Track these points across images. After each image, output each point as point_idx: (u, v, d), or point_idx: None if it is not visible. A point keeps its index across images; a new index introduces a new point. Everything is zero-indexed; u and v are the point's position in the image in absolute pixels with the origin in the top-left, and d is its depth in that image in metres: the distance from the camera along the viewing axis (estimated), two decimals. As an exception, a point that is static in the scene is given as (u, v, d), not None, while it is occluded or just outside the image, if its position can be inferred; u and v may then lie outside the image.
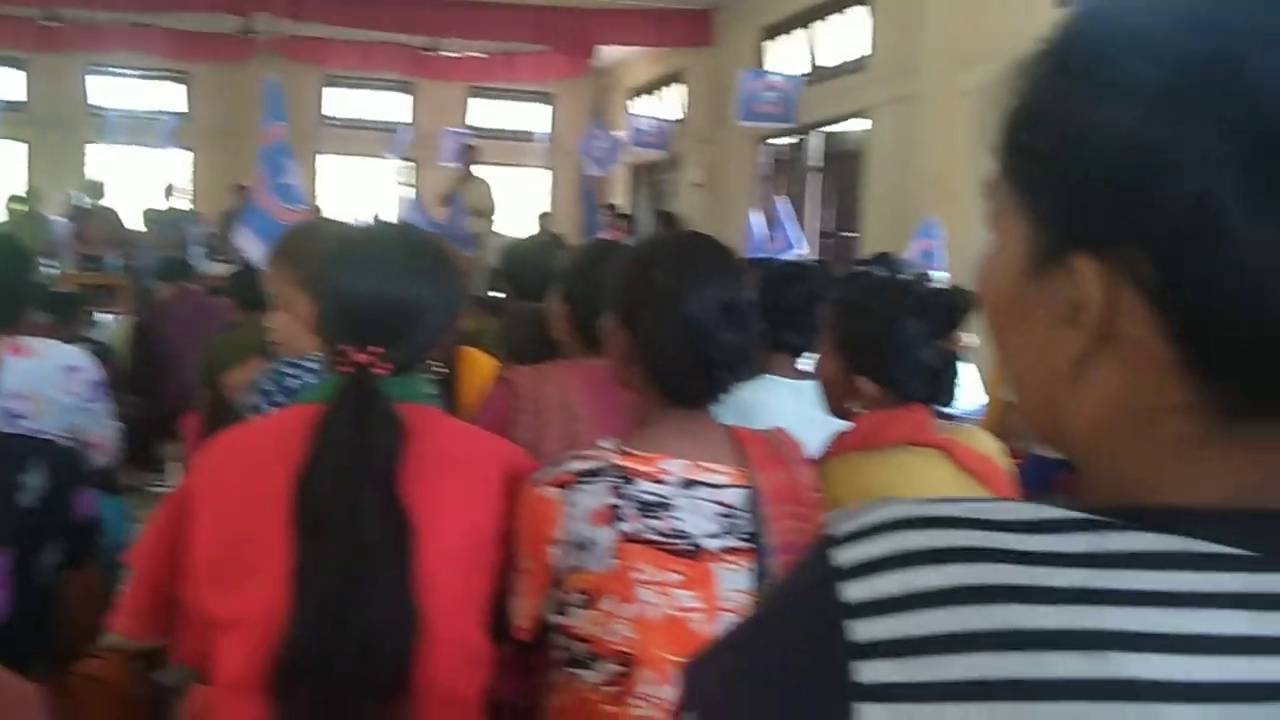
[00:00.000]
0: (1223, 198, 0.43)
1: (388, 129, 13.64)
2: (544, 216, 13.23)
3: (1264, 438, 0.47)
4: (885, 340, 1.65)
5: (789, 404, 2.20)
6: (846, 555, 0.49)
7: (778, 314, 2.42)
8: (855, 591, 0.48)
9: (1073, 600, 0.46)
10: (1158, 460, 0.49)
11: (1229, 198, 0.43)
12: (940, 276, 5.82)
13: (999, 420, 3.45)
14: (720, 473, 1.38)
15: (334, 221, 2.25)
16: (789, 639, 0.51)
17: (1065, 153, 0.49)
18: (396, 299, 1.36)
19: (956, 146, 7.16)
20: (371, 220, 1.54)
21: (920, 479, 1.58)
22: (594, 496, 1.32)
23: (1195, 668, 0.44)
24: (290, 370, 2.04)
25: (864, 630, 0.47)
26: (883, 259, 5.81)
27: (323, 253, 1.43)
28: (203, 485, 1.32)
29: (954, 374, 1.66)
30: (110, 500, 3.12)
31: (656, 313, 1.38)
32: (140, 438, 4.93)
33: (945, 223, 6.41)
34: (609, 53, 12.60)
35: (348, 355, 1.31)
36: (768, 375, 2.44)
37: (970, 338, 1.65)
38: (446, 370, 2.69)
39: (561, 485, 1.34)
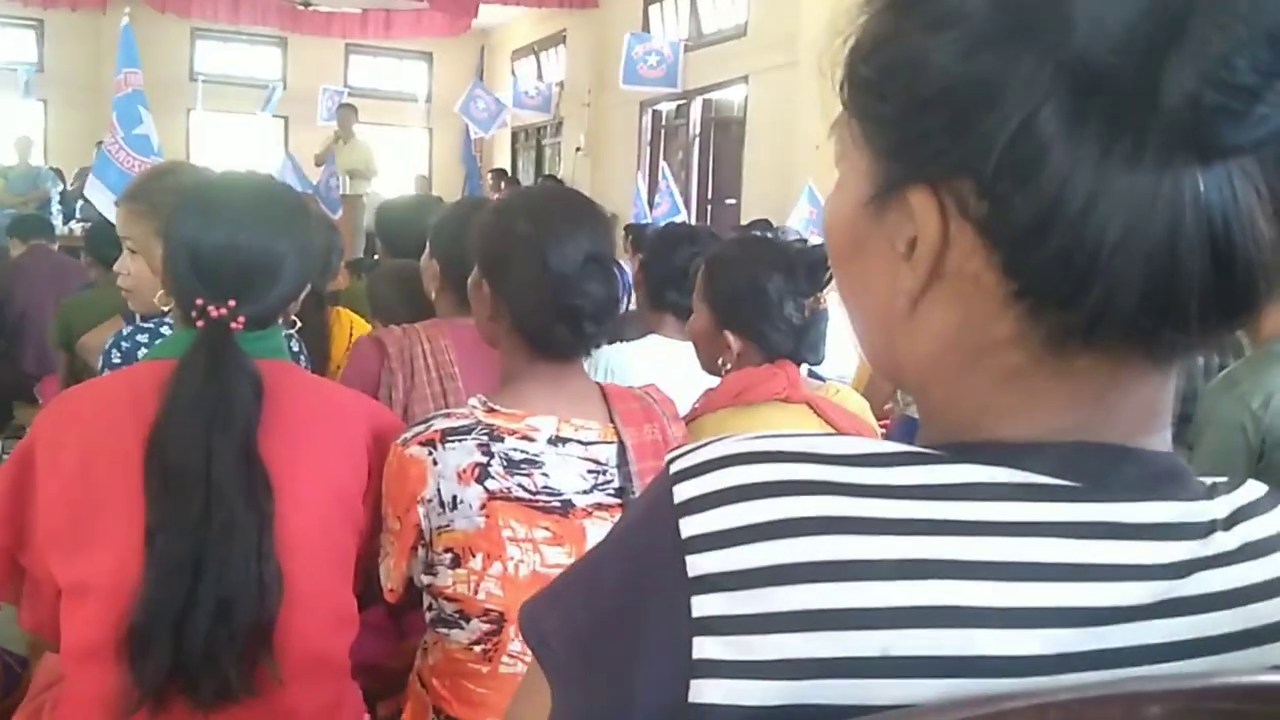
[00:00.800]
0: (1043, 128, 0.44)
1: (262, 85, 13.17)
2: (420, 179, 13.00)
3: (1090, 370, 0.49)
4: (751, 296, 1.67)
5: (672, 364, 2.22)
6: (685, 490, 0.50)
7: (665, 275, 2.44)
8: (693, 526, 0.48)
9: (900, 531, 0.47)
10: (989, 393, 0.51)
11: (1049, 128, 0.44)
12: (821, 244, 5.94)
13: (869, 383, 3.55)
14: (589, 428, 1.38)
15: (193, 166, 2.14)
16: (631, 575, 0.51)
17: (899, 84, 0.50)
18: (252, 249, 1.31)
19: (833, 113, 7.26)
20: (228, 169, 1.47)
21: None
22: (461, 454, 1.31)
23: (1016, 594, 0.46)
24: (143, 335, 1.95)
25: (701, 564, 0.47)
26: (761, 225, 5.90)
27: (171, 199, 1.38)
28: (44, 447, 1.26)
29: (820, 331, 1.69)
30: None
31: (519, 265, 1.37)
32: (-3, 401, 4.72)
33: (824, 191, 6.53)
34: (490, 12, 12.36)
35: (203, 309, 1.26)
36: (653, 335, 2.46)
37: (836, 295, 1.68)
38: (315, 329, 2.63)
39: (428, 444, 1.32)
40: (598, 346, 1.46)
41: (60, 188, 10.29)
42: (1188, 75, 0.42)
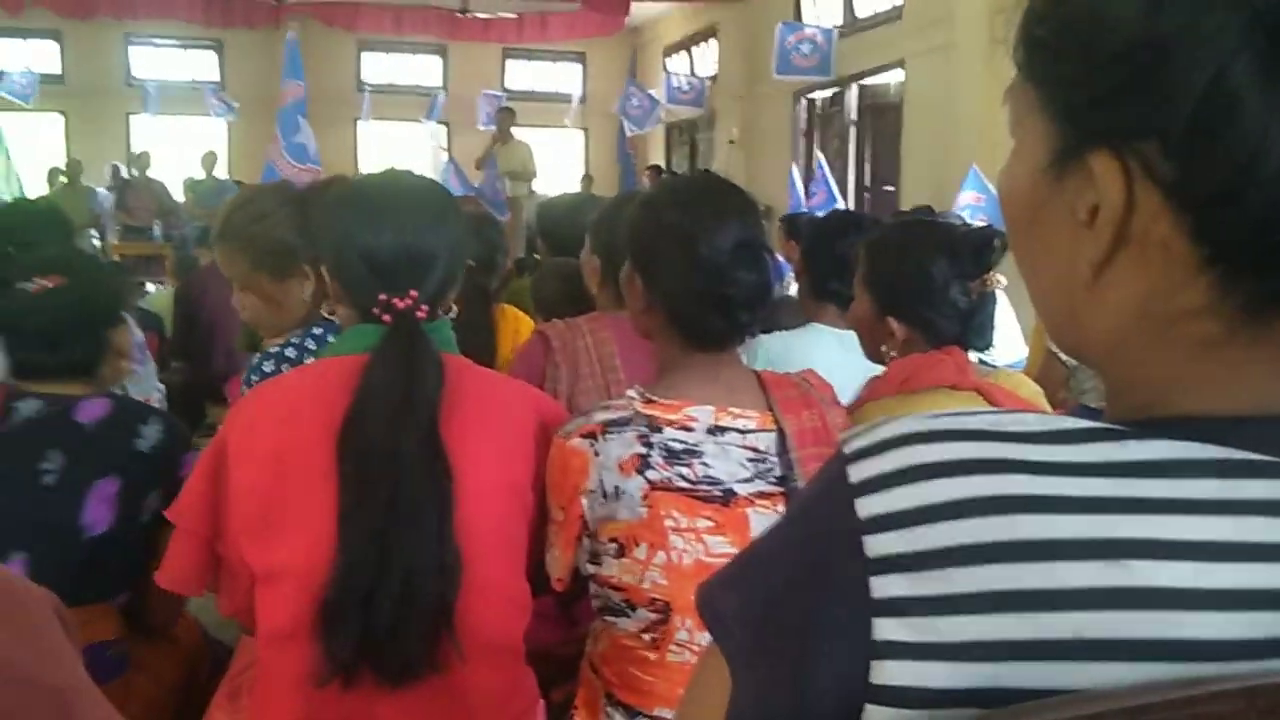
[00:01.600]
0: (1236, 83, 0.42)
1: (423, 93, 13.64)
2: (586, 179, 13.23)
3: None
4: (914, 280, 1.64)
5: (834, 352, 2.20)
6: (861, 471, 0.49)
7: (827, 263, 2.42)
8: (870, 506, 0.48)
9: (1090, 509, 0.45)
10: (1179, 365, 0.49)
11: (1242, 83, 0.42)
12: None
13: (1042, 370, 3.42)
14: (747, 417, 1.38)
15: (276, 188, 2.22)
16: (807, 557, 0.51)
17: (1077, 44, 0.48)
18: (419, 243, 1.37)
19: (997, 95, 7.04)
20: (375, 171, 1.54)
21: None
22: (622, 446, 1.33)
23: (1219, 575, 0.43)
24: (288, 353, 1.97)
25: (879, 545, 0.47)
26: (923, 211, 5.77)
27: (331, 209, 1.44)
28: (238, 440, 1.34)
29: (988, 316, 1.64)
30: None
31: (668, 255, 1.38)
32: (188, 402, 5.02)
33: (989, 174, 6.32)
34: (642, 10, 12.46)
35: (388, 303, 1.32)
36: (814, 324, 2.44)
37: (1002, 278, 1.63)
38: (482, 326, 2.72)
39: (589, 436, 1.34)
40: (753, 335, 1.45)
41: (243, 199, 10.92)
42: None
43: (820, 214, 7.19)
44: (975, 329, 1.63)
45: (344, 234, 1.39)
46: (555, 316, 2.30)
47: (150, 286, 7.63)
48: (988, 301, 1.63)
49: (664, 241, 1.39)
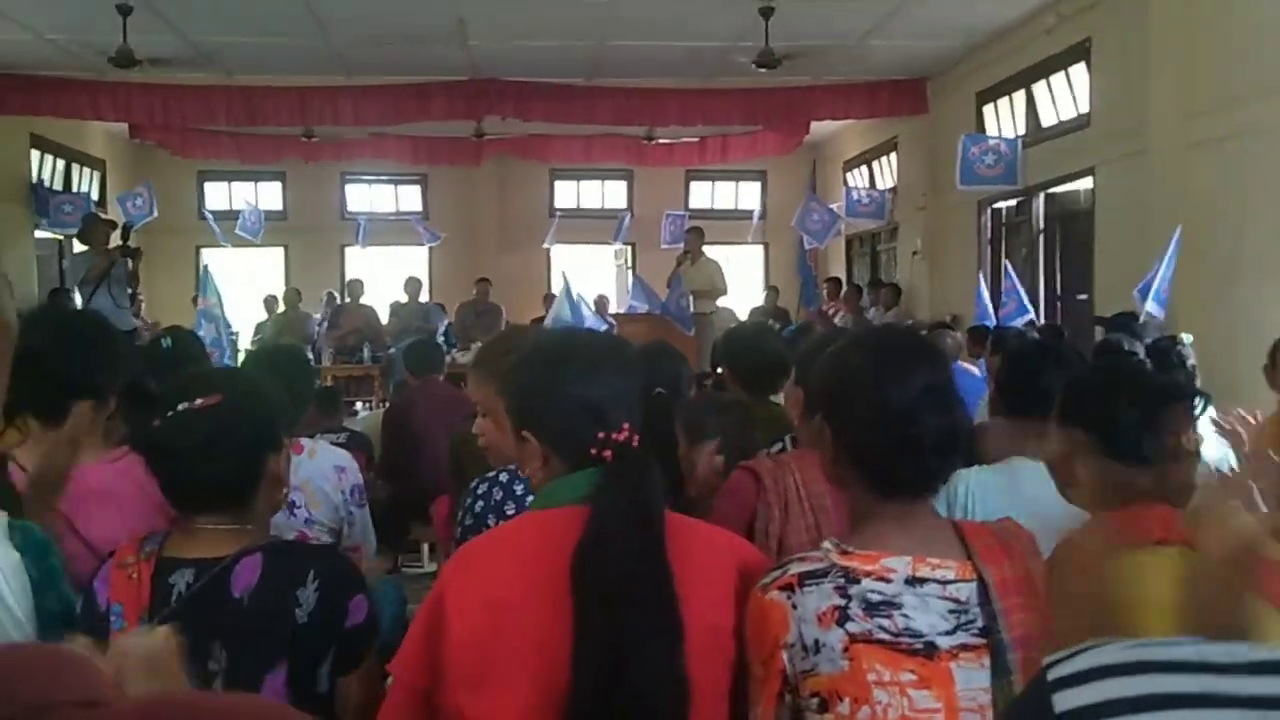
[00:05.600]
0: None
1: (611, 216, 14.19)
2: (771, 290, 13.37)
3: None
4: (1108, 428, 1.62)
5: (1040, 487, 2.14)
6: (1065, 701, 0.51)
7: (1025, 397, 2.37)
8: None
9: None
10: None
11: None
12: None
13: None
14: (946, 567, 1.37)
15: (522, 329, 2.40)
16: None
17: None
18: (623, 387, 1.48)
19: (1191, 200, 6.79)
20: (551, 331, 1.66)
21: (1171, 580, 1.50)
22: (820, 598, 1.34)
23: None
24: (498, 488, 2.15)
25: None
26: (1126, 319, 5.56)
27: (533, 367, 1.54)
28: (454, 593, 1.41)
29: (1187, 472, 1.60)
30: (386, 582, 3.36)
31: (855, 400, 1.41)
32: (395, 520, 5.28)
33: (1182, 279, 6.08)
34: (821, 126, 12.67)
35: (605, 440, 1.42)
36: (1017, 458, 2.37)
37: (1200, 435, 1.58)
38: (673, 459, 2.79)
39: (786, 588, 1.36)
40: (943, 481, 1.46)
41: (445, 321, 11.55)
42: None
43: (1014, 326, 7.07)
44: (1170, 484, 1.58)
45: (555, 386, 1.48)
46: (737, 457, 2.33)
47: (359, 406, 8.10)
48: (1185, 457, 1.59)
49: (849, 387, 1.42)
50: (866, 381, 1.40)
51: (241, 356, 6.87)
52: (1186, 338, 5.23)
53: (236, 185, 14.58)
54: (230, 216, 13.11)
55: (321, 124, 11.54)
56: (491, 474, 2.18)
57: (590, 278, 13.56)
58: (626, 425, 1.43)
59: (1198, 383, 4.43)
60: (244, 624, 1.59)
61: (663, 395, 3.03)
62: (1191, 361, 4.45)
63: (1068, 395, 1.73)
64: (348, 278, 13.01)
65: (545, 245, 13.92)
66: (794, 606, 1.35)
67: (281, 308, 12.17)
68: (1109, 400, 1.63)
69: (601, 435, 1.42)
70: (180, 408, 1.65)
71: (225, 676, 1.56)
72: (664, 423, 2.96)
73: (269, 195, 14.60)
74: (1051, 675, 0.52)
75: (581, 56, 9.84)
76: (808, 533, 2.08)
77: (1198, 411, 1.55)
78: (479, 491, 2.15)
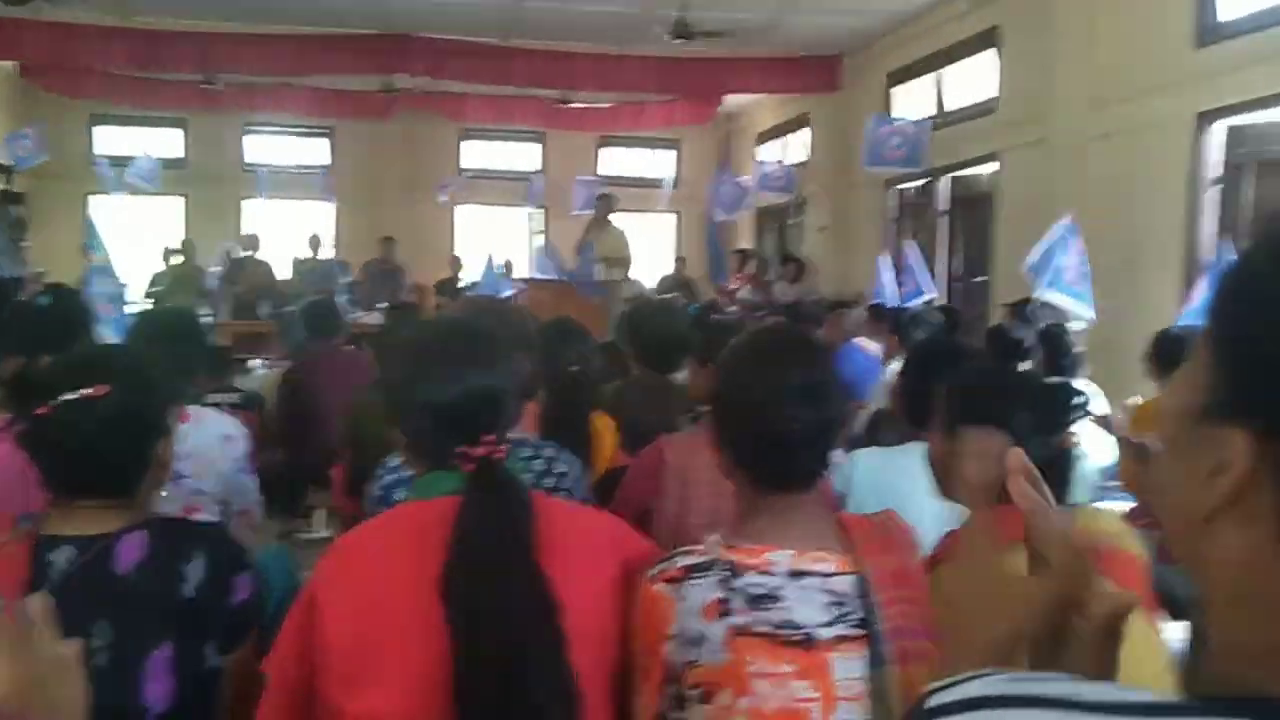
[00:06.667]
0: None
1: (521, 178, 14.05)
2: (679, 261, 13.42)
3: None
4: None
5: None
6: None
7: (923, 394, 2.41)
8: None
9: None
10: (1274, 650, 0.51)
11: None
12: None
13: (1130, 472, 3.35)
14: (827, 560, 1.41)
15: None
16: None
17: (1258, 340, 0.53)
18: (487, 387, 1.43)
19: (1092, 190, 7.01)
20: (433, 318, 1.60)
21: None
22: (704, 591, 1.36)
23: None
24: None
25: None
26: (1026, 306, 5.74)
27: (393, 360, 1.50)
28: (328, 589, 1.37)
29: (1065, 471, 1.65)
30: (274, 550, 3.30)
31: (730, 398, 1.47)
32: (288, 486, 5.16)
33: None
34: (735, 98, 12.72)
35: (467, 454, 1.37)
36: (914, 443, 2.42)
37: (1078, 435, 1.63)
38: (577, 439, 2.78)
39: (672, 581, 1.38)
40: (817, 475, 1.48)
41: (347, 279, 11.34)
42: None
43: (913, 306, 7.21)
44: (1052, 483, 1.63)
45: (415, 389, 1.44)
46: (636, 437, 2.34)
47: (257, 364, 7.89)
48: (1067, 458, 1.64)
49: (728, 386, 1.48)
50: (738, 380, 1.46)
51: (130, 310, 6.62)
52: (1076, 325, 5.42)
53: (134, 130, 14.00)
54: (125, 164, 12.60)
55: (223, 71, 11.16)
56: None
57: (499, 240, 13.45)
58: (491, 436, 1.38)
59: (1086, 370, 4.60)
60: (128, 601, 1.55)
61: (578, 373, 3.02)
62: (1079, 349, 4.61)
63: (951, 398, 1.76)
64: (250, 230, 12.64)
65: (443, 201, 13.72)
66: (679, 599, 1.37)
67: (178, 259, 11.77)
68: (995, 402, 1.66)
69: (462, 449, 1.38)
70: (66, 398, 1.58)
71: (110, 653, 1.52)
72: (579, 401, 2.95)
73: (169, 142, 14.07)
74: (930, 703, 0.54)
75: (497, 16, 9.68)
76: (709, 515, 2.09)
77: (1079, 411, 1.60)
78: (385, 476, 2.10)
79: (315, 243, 11.33)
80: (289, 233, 12.69)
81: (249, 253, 11.32)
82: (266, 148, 14.56)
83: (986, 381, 1.73)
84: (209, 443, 2.67)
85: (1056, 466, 1.62)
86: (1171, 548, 0.59)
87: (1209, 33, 6.27)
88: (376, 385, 1.46)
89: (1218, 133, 6.28)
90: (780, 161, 13.00)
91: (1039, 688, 0.52)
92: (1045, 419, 1.62)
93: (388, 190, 14.31)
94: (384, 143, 14.20)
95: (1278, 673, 0.50)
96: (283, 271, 11.23)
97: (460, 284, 11.26)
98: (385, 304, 8.74)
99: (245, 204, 14.05)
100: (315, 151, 14.78)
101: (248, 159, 14.34)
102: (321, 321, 5.90)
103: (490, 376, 1.45)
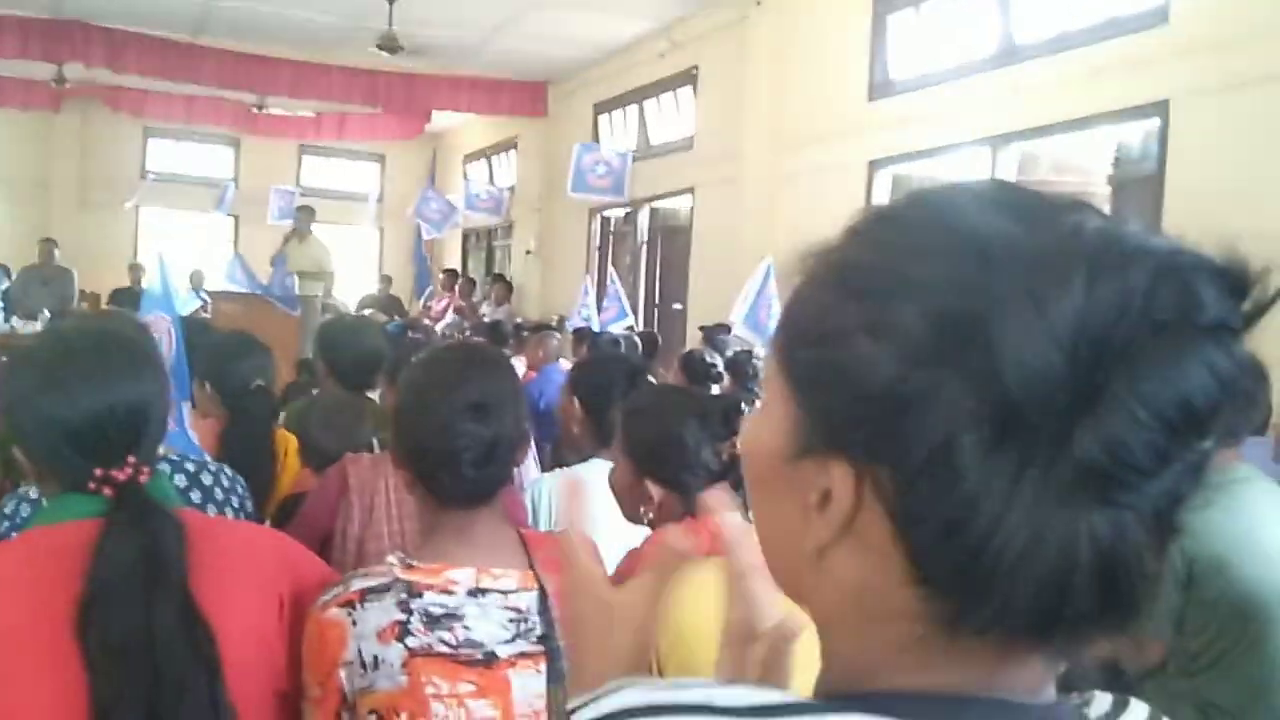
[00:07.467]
0: (962, 449, 0.48)
1: (214, 184, 13.27)
2: (385, 279, 13.11)
3: (980, 647, 0.52)
4: (668, 444, 1.73)
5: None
6: None
7: (602, 409, 2.47)
8: None
9: None
10: (883, 652, 0.54)
11: (968, 450, 0.48)
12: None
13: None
14: (509, 576, 1.41)
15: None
16: None
17: (833, 375, 0.53)
18: (129, 402, 1.29)
19: (779, 227, 7.50)
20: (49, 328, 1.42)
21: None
22: (381, 613, 1.33)
23: None
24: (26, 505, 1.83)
25: None
26: (723, 331, 6.06)
27: (18, 375, 1.30)
28: None
29: (739, 476, 1.74)
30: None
31: (404, 413, 1.47)
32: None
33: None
34: (443, 116, 12.63)
35: (107, 476, 1.24)
36: (596, 459, 2.47)
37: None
38: (256, 458, 2.64)
39: (347, 605, 1.33)
40: (491, 491, 1.47)
41: (4, 285, 10.23)
42: (1092, 442, 0.46)
43: (610, 331, 7.43)
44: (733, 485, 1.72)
45: (30, 402, 1.27)
46: (321, 457, 2.26)
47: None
48: (739, 463, 1.73)
49: (405, 401, 1.48)
50: (414, 396, 1.46)
51: None
52: (763, 351, 5.78)
53: None
54: None
55: None
56: (22, 490, 1.90)
57: (185, 248, 12.61)
58: (132, 458, 1.26)
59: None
60: None
61: (262, 388, 2.87)
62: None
63: (627, 419, 1.82)
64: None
65: (130, 204, 12.73)
66: (354, 624, 1.32)
67: None
68: (666, 417, 1.74)
69: (99, 472, 1.24)
70: None
71: None
72: (259, 417, 2.80)
73: None
74: (578, 718, 0.55)
75: (185, 12, 9.10)
76: (389, 539, 2.04)
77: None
78: (5, 511, 1.86)
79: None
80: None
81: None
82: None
83: (656, 400, 1.80)
84: None
85: (729, 470, 1.69)
86: (783, 589, 0.60)
87: (880, 88, 6.90)
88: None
89: (884, 179, 6.91)
90: (489, 183, 13.04)
91: (676, 695, 0.54)
92: (714, 427, 1.70)
93: (59, 189, 13.08)
94: (55, 136, 12.98)
95: (879, 671, 0.54)
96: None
97: (139, 293, 10.44)
98: (49, 313, 7.97)
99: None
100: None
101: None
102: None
103: (133, 390, 1.30)
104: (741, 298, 6.42)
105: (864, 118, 6.93)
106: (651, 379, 2.81)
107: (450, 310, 11.42)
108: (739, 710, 0.52)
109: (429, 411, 1.43)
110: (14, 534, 1.72)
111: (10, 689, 1.19)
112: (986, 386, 0.47)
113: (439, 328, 9.67)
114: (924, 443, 0.48)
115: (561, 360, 6.31)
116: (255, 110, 12.46)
